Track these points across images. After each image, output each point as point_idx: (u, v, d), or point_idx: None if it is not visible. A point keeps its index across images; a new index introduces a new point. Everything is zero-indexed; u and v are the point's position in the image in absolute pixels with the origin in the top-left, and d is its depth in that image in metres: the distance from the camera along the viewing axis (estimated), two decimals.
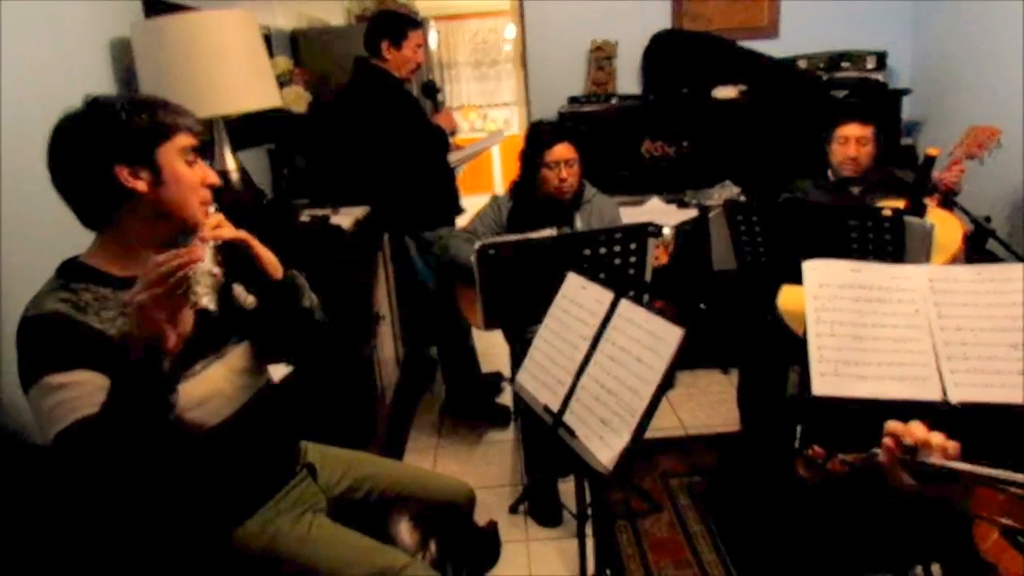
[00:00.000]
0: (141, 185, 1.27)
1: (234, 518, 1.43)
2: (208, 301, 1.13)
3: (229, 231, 1.31)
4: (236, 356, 1.46)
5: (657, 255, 2.34)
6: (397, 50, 3.05)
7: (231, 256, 1.34)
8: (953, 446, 1.00)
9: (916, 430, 1.01)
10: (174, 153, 1.31)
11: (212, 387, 1.38)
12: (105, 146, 1.25)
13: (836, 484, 1.10)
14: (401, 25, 3.08)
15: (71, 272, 1.29)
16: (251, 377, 1.48)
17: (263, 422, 1.49)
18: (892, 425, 1.03)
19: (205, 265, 1.15)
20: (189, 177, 1.32)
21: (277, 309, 1.46)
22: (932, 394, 1.38)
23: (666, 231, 2.36)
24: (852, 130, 2.71)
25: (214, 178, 1.38)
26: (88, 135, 1.25)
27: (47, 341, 1.19)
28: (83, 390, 1.17)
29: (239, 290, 1.55)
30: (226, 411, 1.41)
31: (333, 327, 1.57)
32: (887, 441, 1.02)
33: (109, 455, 1.12)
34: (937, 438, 1.01)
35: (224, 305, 1.40)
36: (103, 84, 2.00)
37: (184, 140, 1.32)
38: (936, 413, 1.37)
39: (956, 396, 1.36)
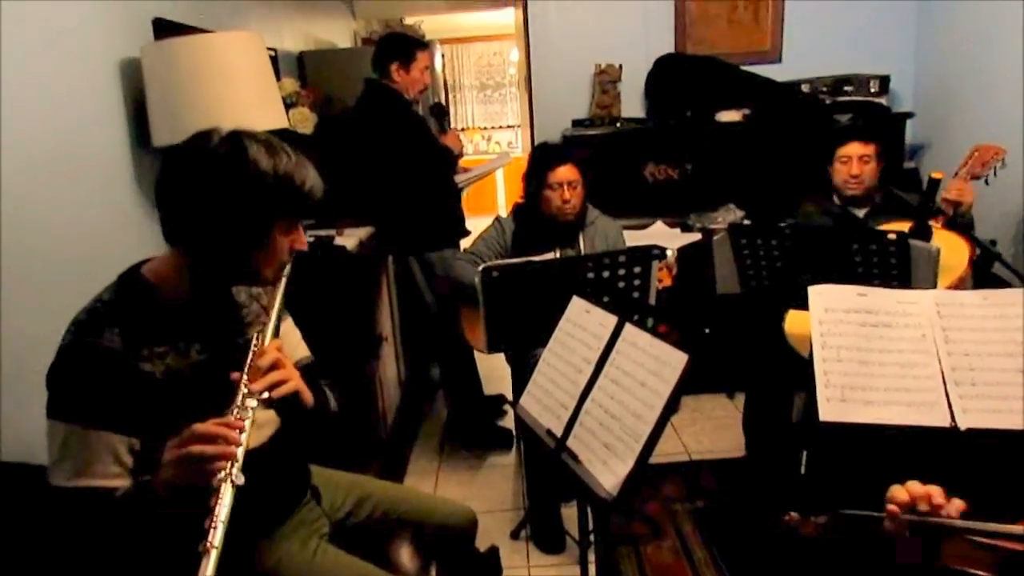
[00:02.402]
0: (238, 246, 1.25)
1: (252, 542, 1.42)
2: (238, 477, 1.12)
3: (287, 387, 1.27)
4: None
5: (661, 277, 2.34)
6: (406, 71, 3.08)
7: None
8: (956, 505, 0.99)
9: (916, 491, 1.00)
10: (284, 225, 1.28)
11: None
12: (252, 209, 1.22)
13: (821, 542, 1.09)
14: (410, 47, 3.12)
15: (132, 290, 1.27)
16: (270, 425, 1.47)
17: (280, 451, 1.48)
18: (896, 493, 1.02)
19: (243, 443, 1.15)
20: (283, 246, 1.30)
21: (299, 423, 1.46)
22: (940, 420, 1.36)
23: (669, 253, 2.36)
24: (853, 149, 2.72)
25: (302, 245, 1.34)
26: (240, 190, 1.20)
27: (91, 387, 1.17)
28: (101, 454, 1.18)
29: (287, 343, 1.52)
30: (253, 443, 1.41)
31: (341, 411, 1.56)
32: (891, 508, 1.00)
33: (107, 534, 1.16)
34: (940, 498, 0.99)
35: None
36: (113, 104, 2.01)
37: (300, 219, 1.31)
38: (943, 439, 1.36)
39: (965, 422, 1.35)
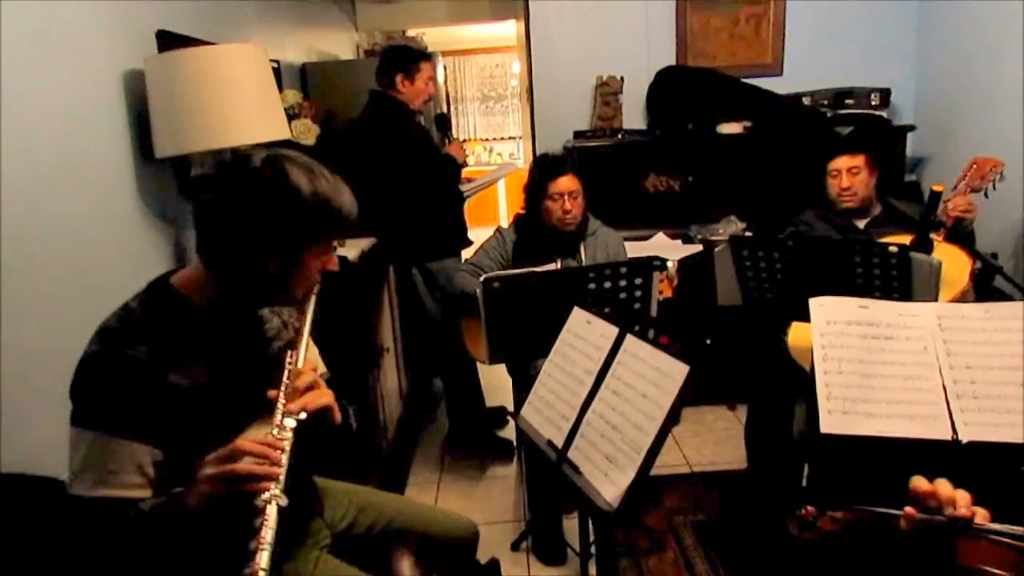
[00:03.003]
0: (273, 272, 1.26)
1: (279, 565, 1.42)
2: (282, 498, 1.13)
3: (321, 400, 1.29)
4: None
5: (661, 289, 2.34)
6: (411, 83, 3.11)
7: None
8: (983, 513, 0.99)
9: (943, 489, 0.99)
10: (319, 247, 1.29)
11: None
12: (282, 234, 1.22)
13: (831, 542, 1.08)
14: (415, 58, 3.15)
15: (162, 301, 1.27)
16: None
17: (295, 467, 1.48)
18: (918, 483, 1.01)
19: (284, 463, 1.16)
20: (315, 267, 1.31)
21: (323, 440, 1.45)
22: (942, 433, 1.36)
23: (669, 265, 2.36)
24: (842, 162, 2.73)
25: (334, 266, 1.36)
26: (280, 214, 1.21)
27: (118, 396, 1.18)
28: (124, 464, 1.18)
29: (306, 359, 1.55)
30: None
31: (359, 425, 1.57)
32: (908, 510, 1.00)
33: (130, 545, 1.16)
34: (962, 493, 0.99)
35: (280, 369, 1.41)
36: (116, 115, 2.02)
37: (333, 241, 1.32)
38: (945, 452, 1.35)
39: (966, 435, 1.35)
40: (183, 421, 1.21)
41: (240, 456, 1.12)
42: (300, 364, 1.30)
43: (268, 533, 1.08)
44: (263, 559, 1.05)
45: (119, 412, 1.17)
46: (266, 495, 1.10)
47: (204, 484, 1.13)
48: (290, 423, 1.21)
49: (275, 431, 1.20)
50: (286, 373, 1.27)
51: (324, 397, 1.29)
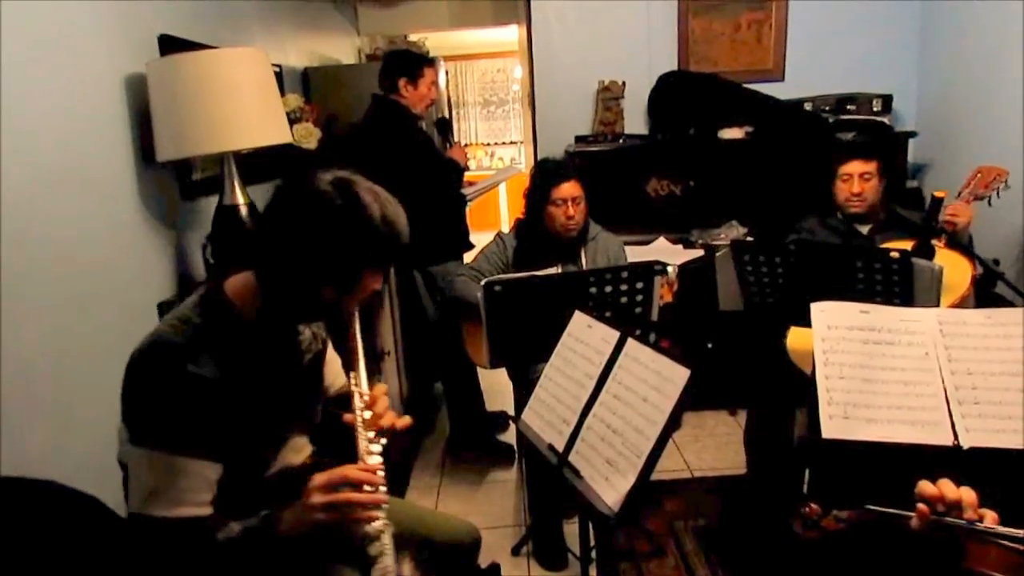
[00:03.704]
0: (328, 294, 1.26)
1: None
2: (391, 525, 1.19)
3: (403, 422, 1.37)
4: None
5: (662, 294, 2.34)
6: (414, 87, 3.12)
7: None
8: (991, 515, 0.98)
9: (948, 491, 0.99)
10: (376, 275, 1.30)
11: (292, 449, 1.42)
12: (350, 261, 1.23)
13: (834, 540, 1.08)
14: (418, 63, 3.16)
15: (221, 314, 1.27)
16: (305, 450, 1.51)
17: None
18: (924, 488, 1.01)
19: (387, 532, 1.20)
20: (368, 288, 1.31)
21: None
22: (943, 438, 1.36)
23: (670, 269, 2.36)
24: (854, 167, 2.72)
25: (379, 285, 1.36)
26: (353, 242, 1.21)
27: (188, 413, 1.18)
28: (197, 482, 1.19)
29: (330, 370, 1.58)
30: (294, 463, 1.44)
31: None
32: (921, 507, 1.00)
33: (194, 559, 1.17)
34: (968, 494, 0.98)
35: (312, 381, 1.47)
36: (118, 119, 2.02)
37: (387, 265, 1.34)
38: (946, 457, 1.35)
39: (968, 441, 1.34)
40: (241, 435, 1.23)
41: (345, 484, 1.16)
42: (363, 385, 1.34)
43: (388, 560, 1.13)
44: None
45: (189, 430, 1.18)
46: (378, 523, 1.15)
47: (313, 512, 1.15)
48: (376, 448, 1.26)
49: (366, 459, 1.25)
50: (357, 397, 1.31)
51: (405, 418, 1.35)
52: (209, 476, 1.21)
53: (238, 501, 1.26)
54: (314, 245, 1.19)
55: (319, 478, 1.17)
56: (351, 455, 1.30)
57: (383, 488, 1.20)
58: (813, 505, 1.08)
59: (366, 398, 1.35)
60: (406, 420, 1.37)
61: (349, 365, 1.40)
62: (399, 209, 1.28)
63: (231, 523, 1.21)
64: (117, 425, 1.30)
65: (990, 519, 0.98)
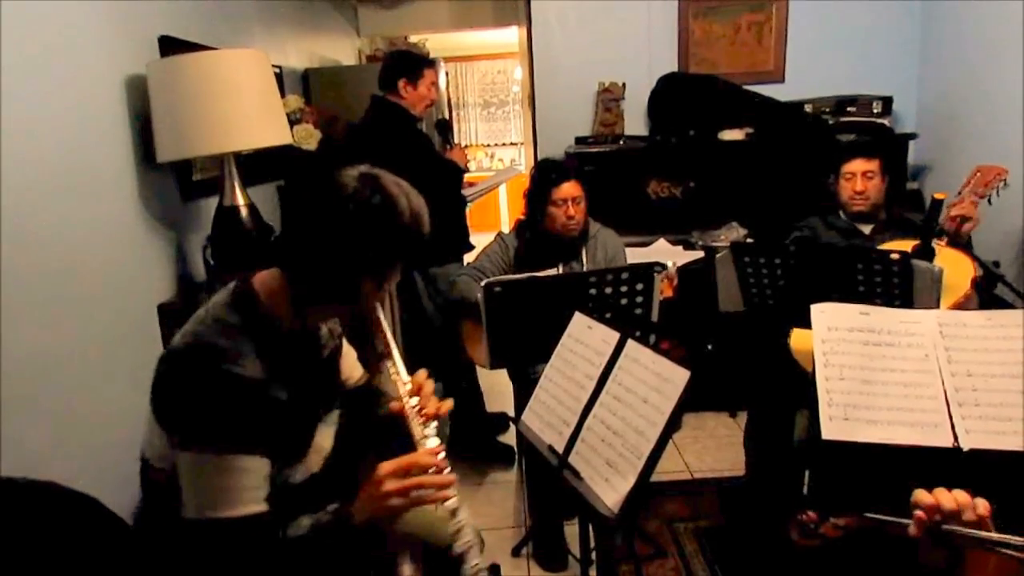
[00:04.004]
0: (367, 287, 1.30)
1: None
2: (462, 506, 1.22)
3: (447, 406, 1.41)
4: (332, 419, 1.50)
5: (662, 289, 2.34)
6: (414, 88, 3.12)
7: None
8: (983, 504, 0.98)
9: (945, 499, 0.99)
10: (398, 269, 1.35)
11: (313, 449, 1.43)
12: (383, 255, 1.27)
13: (833, 547, 1.08)
14: (418, 64, 3.16)
15: (256, 313, 1.28)
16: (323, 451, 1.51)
17: (333, 476, 1.51)
18: (921, 496, 1.01)
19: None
20: (393, 281, 1.37)
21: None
22: (943, 440, 1.36)
23: (670, 264, 2.37)
24: (857, 165, 2.73)
25: (398, 278, 1.41)
26: (381, 234, 1.24)
27: (244, 414, 1.19)
28: (256, 479, 1.21)
29: (346, 364, 1.60)
30: (315, 467, 1.44)
31: None
32: (919, 514, 1.00)
33: (265, 557, 1.18)
34: (964, 499, 0.98)
35: (329, 374, 1.49)
36: (118, 120, 2.03)
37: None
38: (947, 459, 1.35)
39: (968, 443, 1.34)
40: (282, 431, 1.26)
41: (416, 470, 1.19)
42: (401, 373, 1.38)
43: (469, 531, 1.19)
44: (475, 556, 1.20)
45: (238, 428, 1.19)
46: (452, 501, 1.20)
47: (387, 499, 1.17)
48: (430, 432, 1.29)
49: (424, 442, 1.28)
50: (400, 385, 1.36)
51: (448, 402, 1.40)
52: (263, 471, 1.22)
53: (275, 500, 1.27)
54: (354, 241, 1.22)
55: (387, 466, 1.19)
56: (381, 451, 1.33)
57: (447, 469, 1.23)
58: (810, 513, 1.08)
59: (409, 386, 1.38)
60: (449, 404, 1.42)
61: (365, 358, 1.42)
62: (421, 200, 1.32)
63: (300, 519, 1.23)
64: (142, 434, 1.32)
65: (982, 507, 0.98)
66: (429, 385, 1.40)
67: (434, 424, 1.34)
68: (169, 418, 1.21)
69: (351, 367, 1.63)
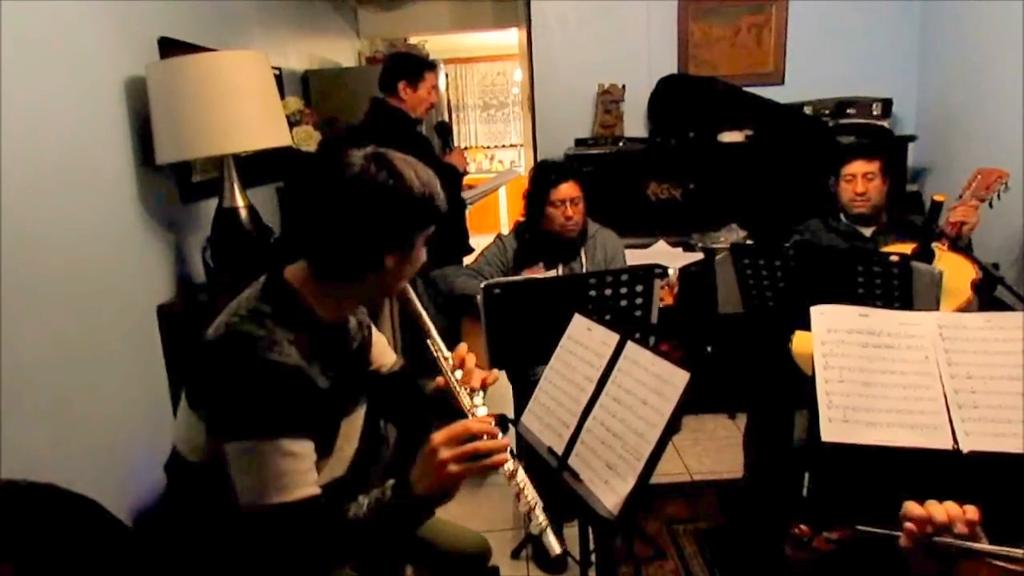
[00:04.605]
0: (391, 262, 1.30)
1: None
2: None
3: (493, 376, 1.45)
4: (358, 416, 1.50)
5: (662, 296, 2.34)
6: (414, 90, 3.12)
7: None
8: (972, 511, 0.98)
9: (936, 512, 0.99)
10: (423, 239, 1.35)
11: (343, 437, 1.43)
12: (400, 225, 1.28)
13: (826, 561, 1.08)
14: (419, 66, 3.16)
15: (292, 302, 1.30)
16: (359, 437, 1.52)
17: (357, 478, 1.52)
18: (911, 509, 1.01)
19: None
20: (420, 257, 1.37)
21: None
22: (943, 443, 1.36)
23: (671, 272, 2.37)
24: (858, 167, 2.73)
25: (424, 255, 1.41)
26: (394, 208, 1.26)
27: (287, 399, 1.20)
28: (309, 463, 1.22)
29: (376, 351, 1.61)
30: (338, 470, 1.45)
31: None
32: (909, 526, 0.99)
33: (328, 538, 1.19)
34: (955, 511, 0.98)
35: (359, 366, 1.50)
36: (117, 122, 2.02)
37: (432, 227, 1.37)
38: (946, 462, 1.35)
39: (967, 445, 1.34)
40: (323, 415, 1.28)
41: (470, 437, 1.20)
42: (443, 350, 1.41)
43: (529, 491, 1.21)
44: (539, 512, 1.21)
45: (284, 413, 1.19)
46: (508, 465, 1.22)
47: (444, 467, 1.17)
48: (479, 401, 1.33)
49: (474, 412, 1.31)
50: (442, 360, 1.39)
51: (494, 372, 1.45)
52: (311, 455, 1.23)
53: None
54: (368, 217, 1.23)
55: (440, 436, 1.20)
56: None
57: (500, 434, 1.24)
58: (803, 526, 1.07)
59: (450, 361, 1.41)
60: (495, 374, 1.45)
61: (393, 344, 1.44)
62: (430, 172, 1.34)
63: (357, 498, 1.24)
64: (173, 428, 1.34)
65: (972, 515, 0.98)
66: (471, 359, 1.41)
67: (481, 394, 1.37)
68: (211, 408, 1.23)
69: (381, 353, 1.64)
